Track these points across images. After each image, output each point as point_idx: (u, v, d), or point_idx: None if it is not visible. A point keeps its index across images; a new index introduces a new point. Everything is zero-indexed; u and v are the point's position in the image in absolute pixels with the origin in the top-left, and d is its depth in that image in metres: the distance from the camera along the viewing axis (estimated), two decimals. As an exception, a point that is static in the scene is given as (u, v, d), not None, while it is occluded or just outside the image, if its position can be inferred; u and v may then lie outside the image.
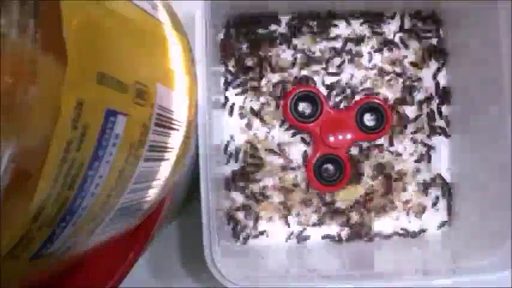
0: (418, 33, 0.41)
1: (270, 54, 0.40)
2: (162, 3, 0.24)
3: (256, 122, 0.40)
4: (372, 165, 0.40)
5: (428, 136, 0.41)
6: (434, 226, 0.40)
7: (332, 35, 0.40)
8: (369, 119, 0.40)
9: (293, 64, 0.40)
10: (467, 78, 0.39)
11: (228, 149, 0.40)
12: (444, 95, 0.41)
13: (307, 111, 0.40)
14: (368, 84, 0.40)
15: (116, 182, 0.19)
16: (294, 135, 0.40)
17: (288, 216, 0.40)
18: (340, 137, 0.39)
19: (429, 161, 0.40)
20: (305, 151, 0.40)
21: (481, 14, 0.35)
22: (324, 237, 0.40)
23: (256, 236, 0.39)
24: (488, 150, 0.36)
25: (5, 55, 0.14)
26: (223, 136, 0.40)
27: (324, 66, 0.40)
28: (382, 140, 0.40)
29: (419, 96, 0.41)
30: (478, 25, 0.36)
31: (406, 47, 0.41)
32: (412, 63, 0.41)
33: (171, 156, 0.24)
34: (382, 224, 0.40)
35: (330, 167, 0.40)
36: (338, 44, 0.40)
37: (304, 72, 0.40)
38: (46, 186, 0.16)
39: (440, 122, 0.41)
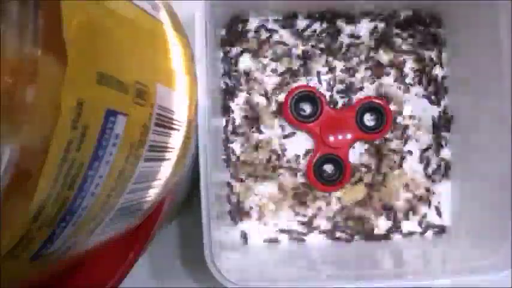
0: (417, 33, 0.41)
1: (270, 53, 0.40)
2: (162, 3, 0.24)
3: (256, 122, 0.40)
4: (372, 165, 0.40)
5: (428, 137, 0.41)
6: (434, 226, 0.40)
7: (333, 34, 0.40)
8: (369, 119, 0.40)
9: (293, 64, 0.40)
10: (467, 78, 0.39)
11: (228, 149, 0.40)
12: (444, 95, 0.41)
13: (307, 111, 0.40)
14: (368, 84, 0.40)
15: (116, 182, 0.19)
16: (293, 135, 0.40)
17: (288, 216, 0.40)
18: (340, 137, 0.39)
19: (430, 161, 0.40)
20: (305, 151, 0.40)
21: (481, 14, 0.35)
22: (324, 237, 0.40)
23: (256, 236, 0.39)
24: (488, 150, 0.36)
25: (5, 55, 0.14)
26: (223, 136, 0.40)
27: (325, 66, 0.40)
28: (383, 140, 0.40)
29: (420, 96, 0.41)
30: (478, 25, 0.36)
31: (406, 47, 0.41)
32: (412, 63, 0.41)
33: (171, 156, 0.24)
34: (383, 224, 0.40)
35: (330, 167, 0.40)
36: (338, 44, 0.40)
37: (304, 72, 0.40)
38: (46, 186, 0.16)
39: (440, 124, 0.41)
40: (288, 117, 0.39)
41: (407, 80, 0.41)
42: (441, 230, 0.40)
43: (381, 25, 0.41)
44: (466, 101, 0.39)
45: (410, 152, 0.40)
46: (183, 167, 0.27)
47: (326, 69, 0.40)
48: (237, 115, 0.40)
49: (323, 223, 0.40)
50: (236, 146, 0.40)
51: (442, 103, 0.41)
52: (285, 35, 0.40)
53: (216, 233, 0.31)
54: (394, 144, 0.40)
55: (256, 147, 0.40)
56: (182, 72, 0.25)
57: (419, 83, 0.41)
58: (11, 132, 0.14)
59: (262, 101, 0.40)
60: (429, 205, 0.40)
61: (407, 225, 0.40)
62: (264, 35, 0.40)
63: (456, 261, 0.35)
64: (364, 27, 0.41)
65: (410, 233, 0.40)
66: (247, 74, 0.40)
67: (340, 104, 0.40)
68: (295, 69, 0.40)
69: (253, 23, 0.40)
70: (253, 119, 0.40)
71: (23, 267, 0.18)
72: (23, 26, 0.14)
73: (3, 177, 0.14)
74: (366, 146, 0.40)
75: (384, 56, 0.41)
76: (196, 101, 0.28)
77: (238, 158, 0.40)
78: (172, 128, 0.23)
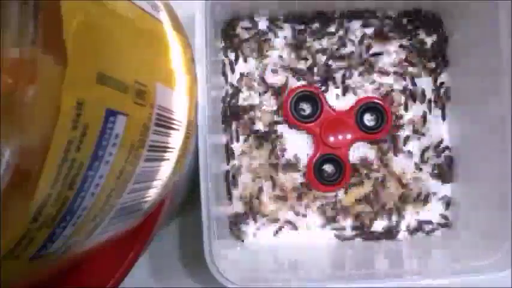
0: (418, 33, 0.41)
1: (270, 54, 0.40)
2: (162, 3, 0.24)
3: (256, 122, 0.40)
4: (372, 165, 0.40)
5: (429, 137, 0.41)
6: (434, 226, 0.40)
7: (332, 35, 0.40)
8: (368, 119, 0.40)
9: (293, 64, 0.40)
10: (467, 78, 0.39)
11: (228, 149, 0.40)
12: (444, 95, 0.41)
13: (307, 111, 0.40)
14: (368, 85, 0.40)
15: (116, 182, 0.19)
16: (293, 135, 0.40)
17: (288, 216, 0.40)
18: (340, 137, 0.39)
19: (430, 161, 0.40)
20: (305, 151, 0.40)
21: (481, 14, 0.35)
22: (324, 237, 0.40)
23: (256, 236, 0.39)
24: (488, 149, 0.36)
25: (5, 55, 0.14)
26: (223, 136, 0.40)
27: (324, 66, 0.40)
28: (383, 140, 0.40)
29: (420, 96, 0.41)
30: (478, 25, 0.36)
31: (406, 47, 0.41)
32: (412, 64, 0.41)
33: (171, 156, 0.24)
34: (383, 224, 0.40)
35: (330, 167, 0.40)
36: (338, 44, 0.40)
37: (304, 72, 0.40)
38: (46, 186, 0.16)
39: (440, 123, 0.41)
40: (288, 117, 0.39)
41: (407, 80, 0.41)
42: (441, 230, 0.40)
43: (381, 25, 0.41)
44: (466, 101, 0.39)
45: (410, 152, 0.40)
46: (183, 167, 0.27)
47: (326, 69, 0.40)
48: (237, 115, 0.40)
49: (323, 223, 0.40)
50: (236, 146, 0.40)
51: (442, 103, 0.41)
52: (285, 35, 0.40)
53: (216, 233, 0.31)
54: (394, 144, 0.40)
55: (256, 147, 0.40)
56: (182, 72, 0.25)
57: (419, 82, 0.41)
58: (11, 132, 0.14)
59: (262, 100, 0.40)
60: (430, 205, 0.40)
61: (407, 225, 0.40)
62: (264, 34, 0.40)
63: (456, 261, 0.35)
64: (364, 27, 0.41)
65: (411, 233, 0.40)
66: (247, 73, 0.40)
67: (340, 104, 0.40)
68: (295, 69, 0.40)
69: (253, 23, 0.40)
70: (253, 119, 0.40)
71: (23, 267, 0.18)
72: (23, 26, 0.14)
73: (3, 177, 0.14)
74: (366, 146, 0.40)
75: (384, 56, 0.41)
76: (196, 101, 0.28)
77: (238, 158, 0.40)
78: (172, 128, 0.23)
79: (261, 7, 0.40)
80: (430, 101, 0.41)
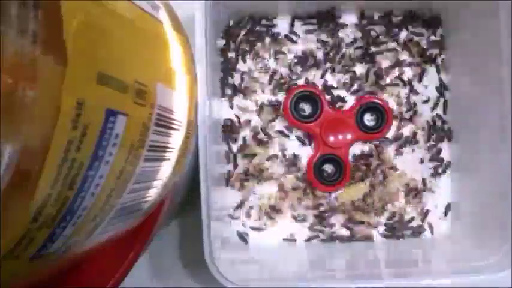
0: (418, 33, 0.41)
1: (270, 54, 0.40)
2: (162, 3, 0.24)
3: (256, 122, 0.40)
4: (372, 165, 0.40)
5: (429, 137, 0.41)
6: (434, 226, 0.40)
7: (332, 35, 0.40)
8: (368, 119, 0.40)
9: (293, 64, 0.40)
10: (467, 79, 0.39)
11: (228, 149, 0.39)
12: (444, 95, 0.41)
13: (307, 111, 0.40)
14: (368, 85, 0.40)
15: (116, 182, 0.19)
16: (294, 135, 0.40)
17: (288, 216, 0.40)
18: (340, 137, 0.39)
19: (430, 161, 0.40)
20: (305, 151, 0.40)
21: (481, 14, 0.35)
22: (324, 237, 0.40)
23: (256, 236, 0.39)
24: (488, 150, 0.36)
25: (5, 55, 0.14)
26: (223, 136, 0.40)
27: (324, 66, 0.40)
28: (383, 140, 0.40)
29: (419, 97, 0.41)
30: (478, 25, 0.36)
31: (406, 47, 0.41)
32: (412, 64, 0.41)
33: (171, 156, 0.24)
34: (383, 224, 0.40)
35: (330, 167, 0.40)
36: (338, 44, 0.40)
37: (304, 72, 0.40)
38: (46, 186, 0.16)
39: (440, 123, 0.41)
40: (288, 117, 0.39)
41: (407, 80, 0.41)
42: (441, 230, 0.40)
43: (381, 25, 0.41)
44: (466, 101, 0.39)
45: (410, 152, 0.40)
46: (183, 167, 0.27)
47: (326, 69, 0.40)
48: (237, 115, 0.40)
49: (323, 223, 0.40)
50: (236, 146, 0.40)
51: (442, 103, 0.41)
52: (285, 34, 0.40)
53: (216, 233, 0.31)
54: (394, 144, 0.40)
55: (256, 147, 0.40)
56: (182, 72, 0.25)
57: (419, 82, 0.41)
58: (11, 132, 0.14)
59: (262, 101, 0.40)
60: (429, 205, 0.40)
61: (407, 225, 0.40)
62: (264, 34, 0.40)
63: (456, 261, 0.35)
64: (363, 27, 0.41)
65: (411, 233, 0.40)
66: (247, 73, 0.40)
67: (340, 104, 0.40)
68: (295, 69, 0.40)
69: (253, 23, 0.40)
70: (253, 119, 0.40)
71: (23, 267, 0.18)
72: (23, 26, 0.14)
73: (3, 177, 0.14)
74: (366, 146, 0.40)
75: (384, 56, 0.41)
76: (196, 101, 0.28)
77: (238, 158, 0.40)
78: (172, 128, 0.23)
79: (261, 7, 0.40)
80: (430, 101, 0.41)
